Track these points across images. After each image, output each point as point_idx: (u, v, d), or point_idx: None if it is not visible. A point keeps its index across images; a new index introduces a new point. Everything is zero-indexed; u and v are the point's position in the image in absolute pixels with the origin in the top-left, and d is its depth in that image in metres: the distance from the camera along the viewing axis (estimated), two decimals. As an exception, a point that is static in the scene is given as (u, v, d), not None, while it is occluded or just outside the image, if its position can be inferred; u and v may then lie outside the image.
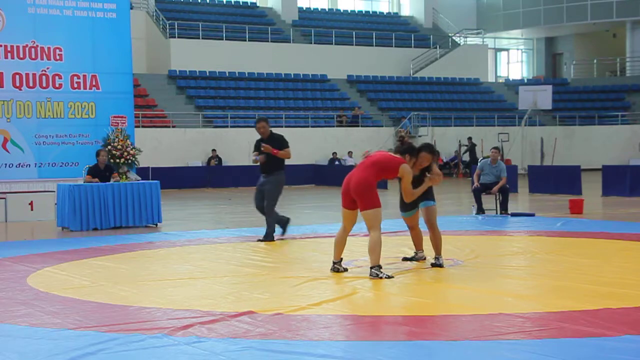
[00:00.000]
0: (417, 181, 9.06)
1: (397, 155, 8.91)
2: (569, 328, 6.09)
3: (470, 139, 35.71)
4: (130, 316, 6.85)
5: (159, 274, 9.25)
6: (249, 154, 31.66)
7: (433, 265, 9.29)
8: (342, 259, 8.95)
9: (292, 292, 7.78)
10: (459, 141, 36.40)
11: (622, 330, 5.95)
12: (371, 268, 8.51)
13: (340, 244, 8.90)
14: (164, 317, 6.74)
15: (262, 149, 11.97)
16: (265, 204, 12.01)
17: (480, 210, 16.08)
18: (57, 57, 17.17)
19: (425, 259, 9.66)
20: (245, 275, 8.93)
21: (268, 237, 12.08)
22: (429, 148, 9.24)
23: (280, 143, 12.08)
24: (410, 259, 9.70)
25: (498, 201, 16.16)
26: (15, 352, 5.71)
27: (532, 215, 15.63)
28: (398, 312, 7.03)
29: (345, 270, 8.86)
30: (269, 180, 12.05)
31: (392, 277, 8.50)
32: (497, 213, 16.05)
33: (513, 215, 15.64)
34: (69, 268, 9.80)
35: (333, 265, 8.90)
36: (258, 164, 12.18)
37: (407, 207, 9.41)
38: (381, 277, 8.37)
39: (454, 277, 8.63)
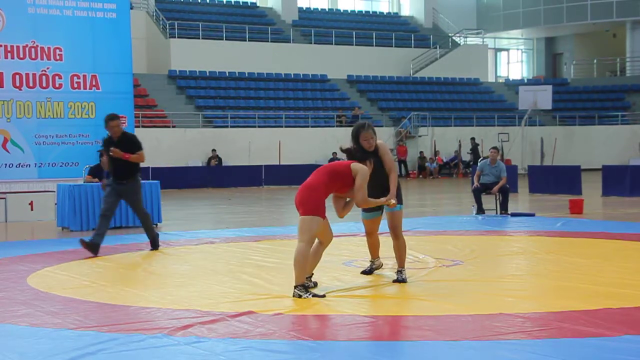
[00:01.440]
0: (377, 173, 7.96)
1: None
2: (569, 328, 6.09)
3: (473, 139, 35.73)
4: (130, 316, 6.85)
5: (159, 274, 9.25)
6: (248, 154, 31.96)
7: (396, 281, 8.16)
8: (313, 274, 7.87)
9: (292, 292, 7.76)
10: (459, 141, 36.42)
11: (622, 330, 5.94)
12: (294, 287, 7.42)
13: (314, 258, 7.76)
14: (164, 317, 6.74)
15: (112, 153, 10.88)
16: (139, 215, 11.25)
17: (480, 210, 16.08)
18: (57, 57, 17.17)
19: (382, 265, 8.70)
20: (245, 275, 8.92)
21: (154, 244, 11.30)
22: (357, 128, 8.04)
23: (133, 145, 11.05)
24: (369, 272, 8.63)
25: (498, 201, 16.16)
26: (15, 352, 5.71)
27: (532, 215, 15.62)
28: (398, 312, 7.03)
29: (315, 285, 7.82)
30: (126, 190, 11.05)
31: (324, 296, 7.39)
32: (497, 213, 16.05)
33: (513, 215, 15.64)
34: (69, 268, 9.80)
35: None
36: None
37: (370, 208, 8.22)
38: (305, 297, 7.32)
39: (454, 277, 8.62)
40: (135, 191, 11.15)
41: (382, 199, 7.99)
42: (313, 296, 7.37)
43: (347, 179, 7.66)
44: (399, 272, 8.23)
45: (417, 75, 41.79)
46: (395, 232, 8.19)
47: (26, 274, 9.25)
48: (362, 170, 7.67)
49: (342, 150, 8.00)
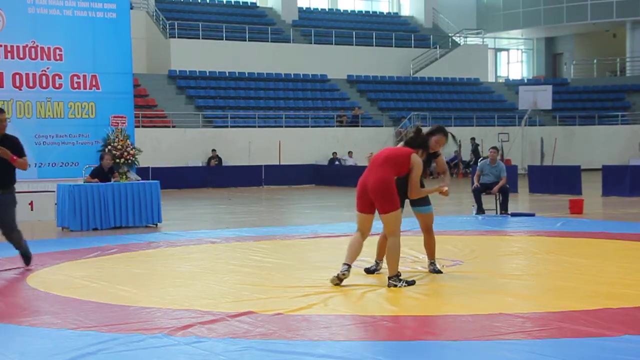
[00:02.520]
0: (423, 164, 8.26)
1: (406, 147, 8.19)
2: (569, 328, 6.09)
3: (473, 139, 35.72)
4: (130, 316, 6.85)
5: (159, 274, 9.25)
6: (248, 154, 31.95)
7: (433, 271, 8.75)
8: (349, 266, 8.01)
9: (292, 292, 7.77)
10: (459, 141, 36.39)
11: (622, 330, 5.95)
12: (389, 278, 7.92)
13: (356, 249, 8.05)
14: (164, 317, 6.74)
15: None
16: (5, 232, 9.61)
17: (480, 210, 16.07)
18: (57, 57, 17.14)
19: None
20: (245, 275, 8.92)
21: (27, 260, 9.82)
22: (440, 128, 8.63)
23: (19, 148, 9.57)
24: (372, 271, 8.73)
25: (498, 201, 16.16)
26: (15, 352, 5.71)
27: (532, 215, 15.62)
28: (398, 312, 7.02)
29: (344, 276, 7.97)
30: (1, 201, 9.55)
31: (414, 282, 8.03)
32: (497, 213, 16.05)
33: (513, 215, 15.64)
34: (69, 268, 9.80)
35: (344, 267, 7.98)
36: None
37: (422, 202, 8.64)
38: (399, 287, 7.83)
39: (454, 277, 8.62)
40: (10, 202, 9.64)
41: (434, 188, 8.55)
42: (407, 284, 7.88)
43: (403, 168, 8.02)
44: (432, 263, 8.81)
45: (417, 75, 41.78)
46: (428, 230, 8.76)
47: (26, 274, 9.25)
48: (417, 165, 8.04)
49: (415, 129, 8.31)
